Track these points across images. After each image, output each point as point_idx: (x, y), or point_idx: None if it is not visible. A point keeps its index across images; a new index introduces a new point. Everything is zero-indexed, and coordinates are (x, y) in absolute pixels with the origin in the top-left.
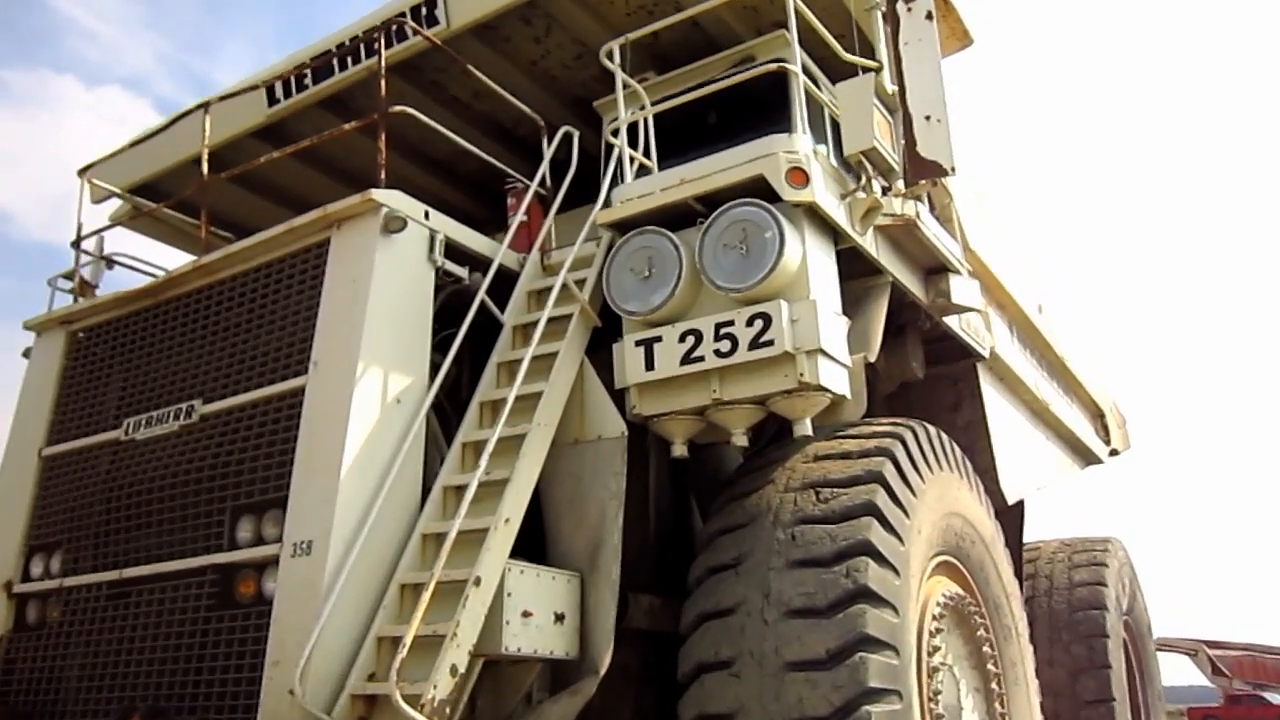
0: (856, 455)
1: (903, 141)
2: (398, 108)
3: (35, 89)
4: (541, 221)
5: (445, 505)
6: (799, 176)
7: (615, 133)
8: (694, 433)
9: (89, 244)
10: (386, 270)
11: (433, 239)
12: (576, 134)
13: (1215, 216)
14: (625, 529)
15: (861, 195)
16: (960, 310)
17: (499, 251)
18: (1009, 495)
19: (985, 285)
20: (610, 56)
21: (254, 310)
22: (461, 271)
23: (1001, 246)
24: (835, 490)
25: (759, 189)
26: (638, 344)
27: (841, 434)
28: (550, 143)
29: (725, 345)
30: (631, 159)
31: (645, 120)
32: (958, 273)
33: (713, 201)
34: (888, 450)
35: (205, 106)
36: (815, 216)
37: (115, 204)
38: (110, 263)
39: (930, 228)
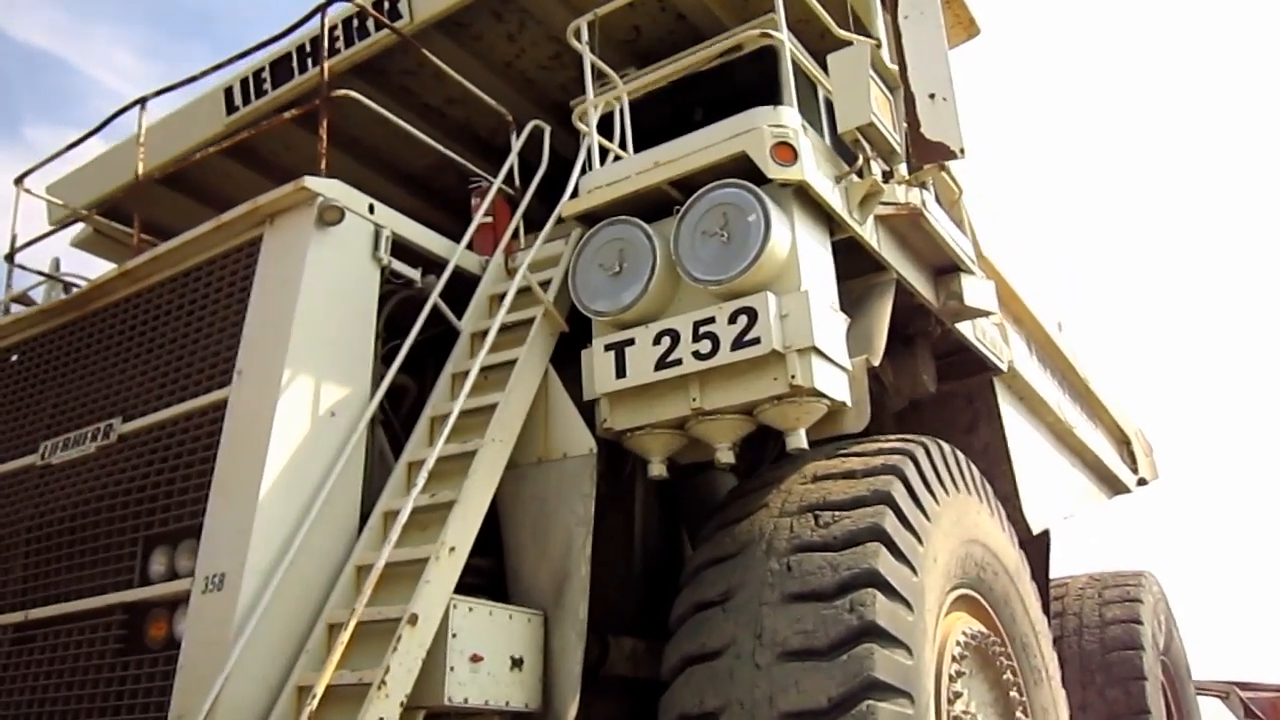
0: (861, 474)
1: (905, 123)
2: (340, 91)
3: (59, 146)
4: (508, 221)
5: (386, 533)
6: (786, 152)
7: (585, 120)
8: (674, 449)
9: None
10: (321, 267)
11: (378, 235)
12: (548, 129)
13: (1251, 221)
14: (607, 564)
15: (858, 179)
16: (974, 314)
17: (456, 252)
18: (1034, 524)
19: (1001, 297)
20: (578, 35)
21: (181, 317)
22: (413, 273)
23: (1015, 254)
24: (837, 514)
25: (742, 170)
26: (607, 348)
27: (844, 451)
28: (518, 137)
29: (705, 346)
30: (604, 150)
31: (621, 110)
32: (970, 272)
33: (691, 186)
34: (897, 468)
35: (141, 103)
36: (807, 200)
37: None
38: (67, 286)
39: (939, 220)
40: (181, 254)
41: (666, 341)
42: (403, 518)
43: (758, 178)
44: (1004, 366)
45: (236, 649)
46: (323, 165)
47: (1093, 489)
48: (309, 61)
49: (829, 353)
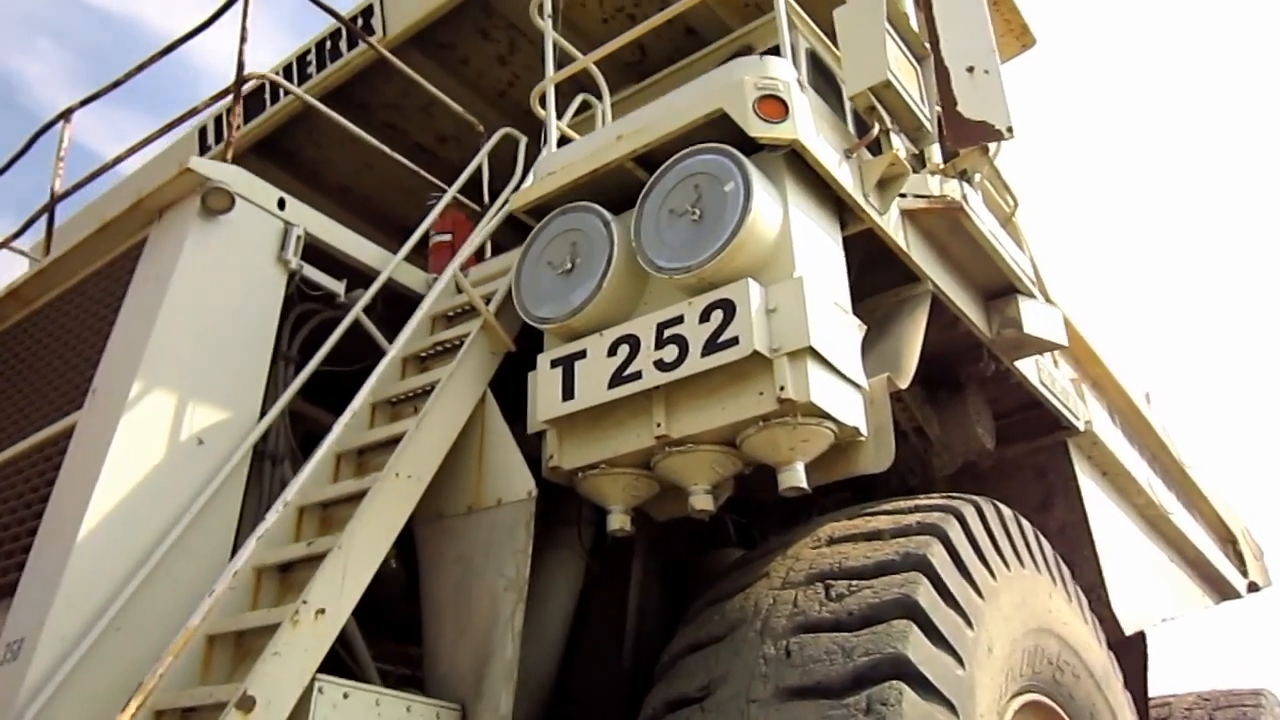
0: (890, 534)
1: (938, 105)
2: (251, 71)
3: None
4: (467, 236)
5: (257, 593)
6: (773, 106)
7: (543, 102)
8: (640, 495)
9: None
10: (199, 263)
11: (286, 234)
12: (523, 140)
13: None
14: (597, 660)
15: (873, 156)
16: (1038, 346)
17: (391, 263)
18: (1126, 623)
19: (1076, 355)
20: (540, 12)
21: (58, 336)
22: (334, 285)
23: (1087, 302)
24: (854, 583)
25: (723, 135)
26: (554, 365)
27: (871, 509)
28: (488, 145)
29: (671, 353)
30: (563, 139)
31: (600, 95)
32: (1030, 295)
33: (660, 163)
34: (937, 528)
35: (66, 115)
36: (804, 171)
37: None
38: None
39: (985, 222)
40: (70, 267)
41: (624, 351)
42: (230, 570)
43: (743, 145)
44: (1081, 426)
45: None
46: (229, 154)
47: (1195, 591)
48: (280, 92)
49: (832, 359)
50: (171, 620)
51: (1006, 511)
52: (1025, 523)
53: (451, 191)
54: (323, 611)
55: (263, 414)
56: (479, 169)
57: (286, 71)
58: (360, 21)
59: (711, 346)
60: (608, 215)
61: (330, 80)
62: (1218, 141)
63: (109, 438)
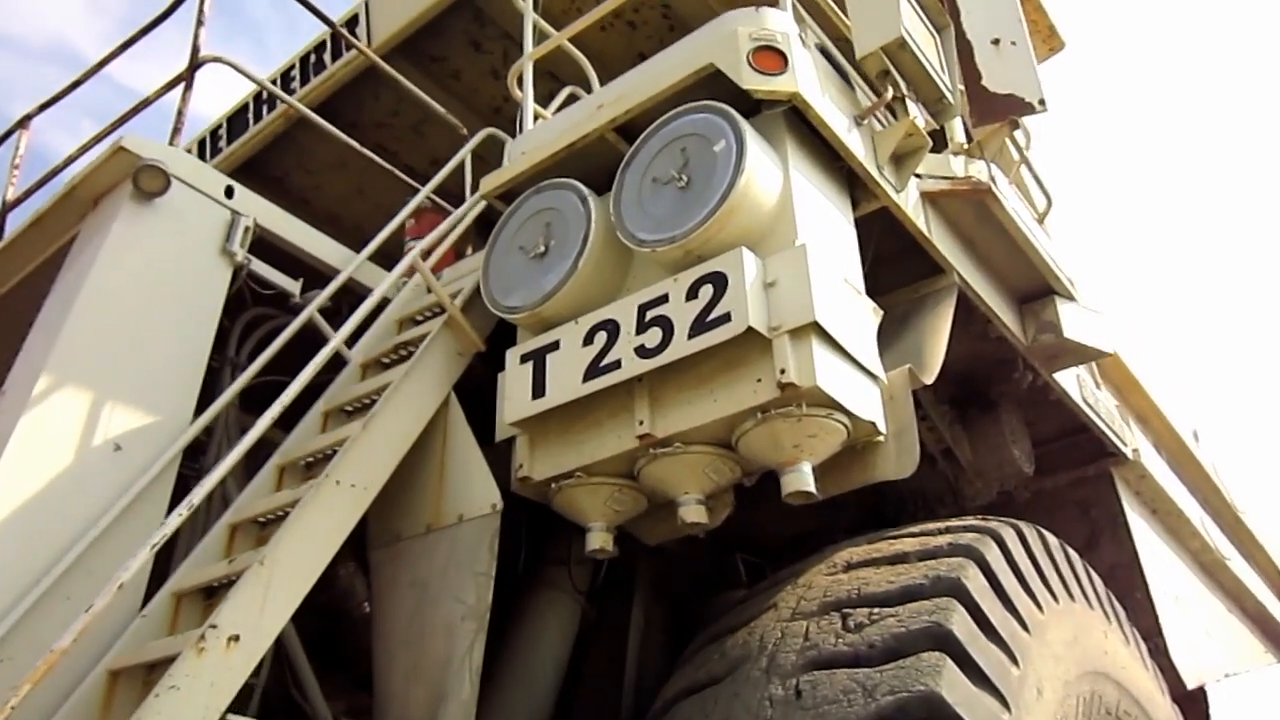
0: (917, 557)
1: (961, 86)
2: (208, 54)
3: None
4: (443, 238)
5: (175, 622)
6: (770, 59)
7: (521, 84)
8: (623, 509)
9: None
10: (127, 251)
11: (233, 224)
12: (510, 140)
13: None
14: (593, 711)
15: (885, 126)
16: (1079, 355)
17: (353, 263)
18: (1186, 675)
19: (1117, 383)
20: None
21: None
22: (288, 283)
23: (1128, 326)
24: (875, 611)
25: (716, 98)
26: (524, 360)
27: (895, 533)
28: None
29: (654, 337)
30: (537, 118)
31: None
32: (1070, 297)
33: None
34: (973, 549)
35: (24, 122)
36: (808, 135)
37: None
38: None
39: (1019, 213)
40: (4, 269)
41: (602, 339)
42: (107, 579)
43: (738, 105)
44: (1129, 453)
45: None
46: (178, 141)
47: (1258, 647)
48: (264, 110)
49: (842, 340)
50: (75, 654)
51: (1051, 538)
52: (1073, 553)
53: (425, 191)
54: (236, 639)
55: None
56: (460, 169)
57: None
58: (346, 26)
59: (700, 326)
60: (584, 190)
61: (316, 94)
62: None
63: (4, 442)
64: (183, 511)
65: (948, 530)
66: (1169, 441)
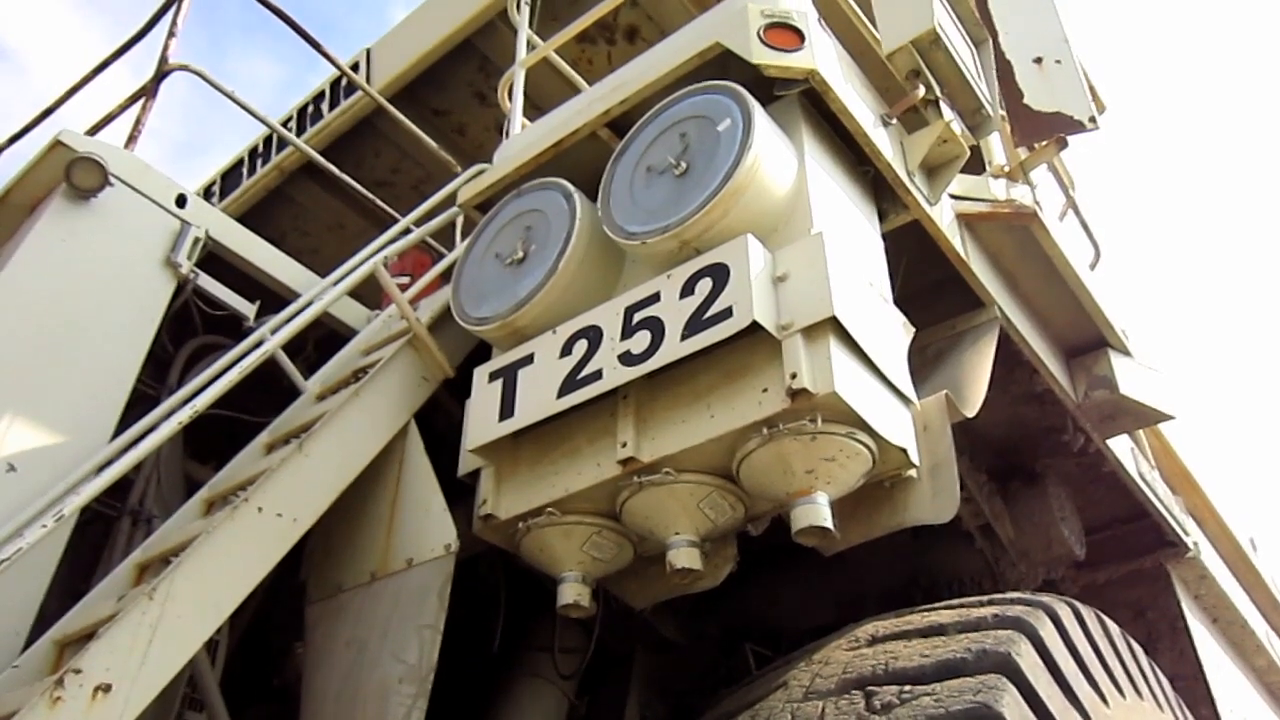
0: (955, 629)
1: (999, 102)
2: (176, 62)
3: None
4: (424, 273)
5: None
6: (785, 35)
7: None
8: (603, 558)
9: None
10: (50, 253)
11: (181, 234)
12: None
13: None
14: None
15: (915, 131)
16: (1138, 418)
17: (318, 287)
18: None
19: (1169, 476)
20: (517, 6)
21: None
22: (242, 306)
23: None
24: (907, 689)
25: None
26: (493, 378)
27: (927, 607)
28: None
29: (642, 341)
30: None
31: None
32: (1125, 351)
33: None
34: (1023, 622)
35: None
36: (825, 122)
37: None
38: None
39: (1066, 245)
40: None
41: (582, 348)
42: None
43: (750, 92)
44: (1190, 544)
45: None
46: (133, 147)
47: None
48: (259, 163)
49: (866, 345)
50: None
51: (1112, 624)
52: (1135, 644)
53: (405, 221)
54: (106, 689)
55: (132, 467)
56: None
57: (266, 142)
58: (345, 84)
59: (695, 325)
60: (571, 187)
61: (314, 145)
62: None
63: None
64: (47, 523)
65: (991, 603)
66: (1226, 546)
